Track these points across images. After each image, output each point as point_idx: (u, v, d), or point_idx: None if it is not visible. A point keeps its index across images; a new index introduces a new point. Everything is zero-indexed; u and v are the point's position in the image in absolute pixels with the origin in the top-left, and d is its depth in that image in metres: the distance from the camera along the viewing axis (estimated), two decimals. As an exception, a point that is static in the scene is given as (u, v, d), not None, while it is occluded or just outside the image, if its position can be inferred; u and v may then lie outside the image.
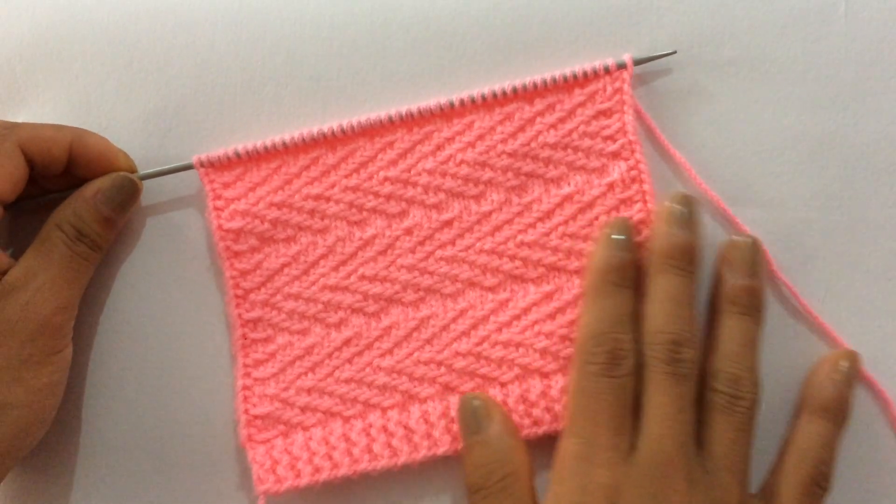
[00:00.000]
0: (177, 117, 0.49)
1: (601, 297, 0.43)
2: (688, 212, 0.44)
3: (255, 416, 0.46)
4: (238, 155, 0.46)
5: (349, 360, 0.46)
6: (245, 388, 0.46)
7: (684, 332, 0.42)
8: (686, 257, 0.43)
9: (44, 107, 0.49)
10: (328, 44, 0.49)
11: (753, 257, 0.44)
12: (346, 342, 0.46)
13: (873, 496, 0.45)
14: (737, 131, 0.47)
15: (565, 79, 0.46)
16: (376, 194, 0.47)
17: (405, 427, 0.45)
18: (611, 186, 0.45)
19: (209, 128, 0.48)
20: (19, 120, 0.47)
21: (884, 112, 0.46)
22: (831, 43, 0.47)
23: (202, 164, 0.47)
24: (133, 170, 0.47)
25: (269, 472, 0.45)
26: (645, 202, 0.45)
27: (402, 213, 0.47)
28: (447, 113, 0.46)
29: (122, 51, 0.49)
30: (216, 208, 0.47)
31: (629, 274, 0.44)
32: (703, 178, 0.46)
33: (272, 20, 0.49)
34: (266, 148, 0.46)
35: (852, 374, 0.44)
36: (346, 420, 0.46)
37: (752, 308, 0.43)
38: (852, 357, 0.44)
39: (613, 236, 0.44)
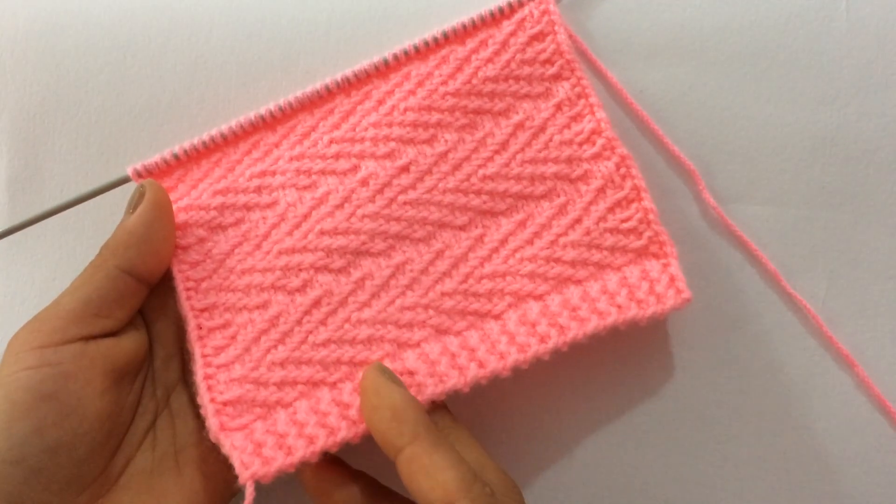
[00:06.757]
0: (170, 112, 0.47)
1: (434, 435, 0.36)
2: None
3: (225, 403, 0.39)
4: (176, 157, 0.43)
5: (322, 322, 0.41)
6: (207, 377, 0.40)
7: None
8: None
9: (32, 98, 0.46)
10: (324, 39, 0.48)
11: None
12: (316, 303, 0.41)
13: (873, 496, 0.43)
14: (738, 128, 0.47)
15: (491, 14, 0.47)
16: (323, 157, 0.44)
17: (406, 372, 0.40)
18: (558, 106, 0.46)
19: (203, 123, 0.46)
20: (5, 113, 0.46)
21: (885, 109, 0.47)
22: (833, 40, 0.47)
23: (139, 175, 0.43)
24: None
25: (253, 455, 0.37)
26: (593, 113, 0.45)
27: (354, 168, 0.44)
28: (382, 70, 0.45)
29: (115, 44, 0.47)
30: None
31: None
32: (704, 177, 0.46)
33: (268, 15, 0.48)
34: (204, 143, 0.44)
35: None
36: (333, 385, 0.40)
37: None
38: None
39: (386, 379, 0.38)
